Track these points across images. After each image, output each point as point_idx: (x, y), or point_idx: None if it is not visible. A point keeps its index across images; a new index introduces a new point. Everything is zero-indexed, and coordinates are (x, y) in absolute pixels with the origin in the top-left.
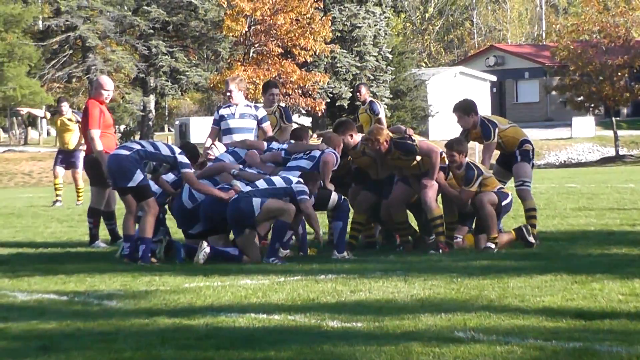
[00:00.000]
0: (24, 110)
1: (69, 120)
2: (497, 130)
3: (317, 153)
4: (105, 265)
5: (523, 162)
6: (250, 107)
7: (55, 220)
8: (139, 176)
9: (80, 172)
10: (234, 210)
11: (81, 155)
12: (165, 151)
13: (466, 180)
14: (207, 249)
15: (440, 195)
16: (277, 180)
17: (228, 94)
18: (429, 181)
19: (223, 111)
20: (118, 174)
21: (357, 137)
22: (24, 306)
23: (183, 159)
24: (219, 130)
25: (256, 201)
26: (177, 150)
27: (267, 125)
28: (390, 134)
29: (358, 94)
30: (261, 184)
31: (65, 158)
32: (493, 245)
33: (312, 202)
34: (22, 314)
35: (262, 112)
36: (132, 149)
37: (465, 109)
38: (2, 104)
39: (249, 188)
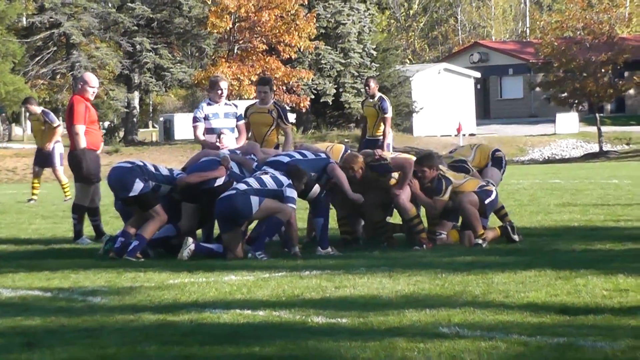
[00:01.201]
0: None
1: (38, 120)
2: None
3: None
4: (90, 262)
5: (493, 167)
6: (231, 105)
7: (40, 216)
8: (138, 185)
9: (60, 168)
10: (229, 207)
11: (56, 152)
12: (165, 172)
13: (437, 190)
14: (192, 246)
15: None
16: (268, 181)
17: (220, 92)
18: (399, 189)
19: (208, 110)
20: (118, 186)
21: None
22: (8, 302)
23: (181, 173)
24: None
25: (254, 200)
26: (177, 172)
27: (241, 123)
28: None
29: (367, 87)
30: (253, 183)
31: (42, 156)
32: (481, 241)
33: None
34: (6, 311)
35: (239, 110)
36: (133, 163)
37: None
38: None
39: (243, 185)
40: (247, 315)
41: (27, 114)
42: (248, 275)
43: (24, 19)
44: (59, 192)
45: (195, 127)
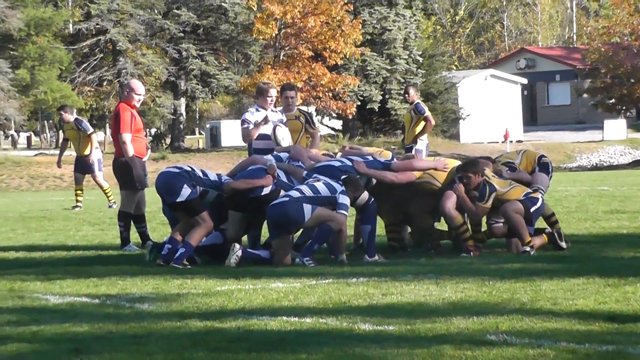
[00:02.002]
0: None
1: (72, 128)
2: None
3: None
4: (137, 269)
5: (541, 172)
6: (277, 112)
7: (87, 223)
8: (186, 191)
9: (99, 174)
10: (281, 214)
11: (94, 159)
12: (212, 177)
13: (480, 196)
14: (239, 252)
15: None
16: (322, 188)
17: (270, 99)
18: (449, 192)
19: (256, 116)
20: (165, 190)
21: None
22: (56, 309)
23: (228, 178)
24: None
25: (307, 208)
26: (225, 177)
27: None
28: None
29: (407, 95)
30: (306, 190)
31: (80, 164)
32: (528, 249)
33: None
34: (54, 317)
35: (284, 117)
36: (181, 168)
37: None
38: (34, 108)
39: (296, 193)
40: (294, 322)
41: (61, 122)
42: (295, 282)
43: (71, 25)
44: (104, 198)
45: (244, 129)
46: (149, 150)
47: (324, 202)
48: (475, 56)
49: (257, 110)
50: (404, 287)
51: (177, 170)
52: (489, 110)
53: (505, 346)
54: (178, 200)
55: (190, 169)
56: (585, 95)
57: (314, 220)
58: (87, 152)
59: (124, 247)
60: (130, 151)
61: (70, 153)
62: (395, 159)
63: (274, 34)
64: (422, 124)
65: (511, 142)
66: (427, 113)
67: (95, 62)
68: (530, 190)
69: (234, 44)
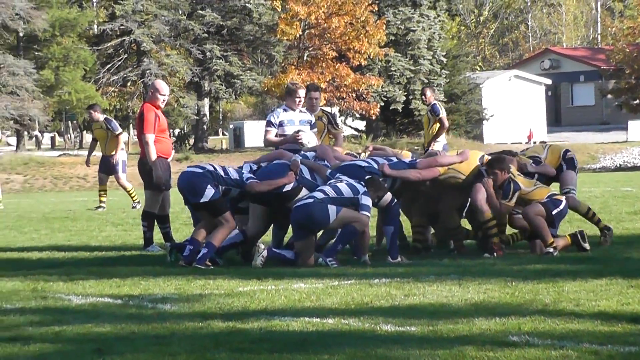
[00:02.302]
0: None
1: (101, 127)
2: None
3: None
4: (160, 269)
5: (569, 170)
6: (306, 113)
7: (110, 223)
8: (210, 191)
9: (123, 175)
10: (305, 215)
11: (119, 160)
12: (234, 175)
13: (504, 194)
14: (265, 252)
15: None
16: (345, 189)
17: (298, 100)
18: (479, 185)
19: (283, 116)
20: (188, 190)
21: None
22: (79, 309)
23: (250, 176)
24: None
25: (332, 209)
26: (247, 174)
27: (315, 130)
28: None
29: (424, 96)
30: (329, 191)
31: (105, 163)
32: (552, 250)
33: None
34: (77, 317)
35: (313, 118)
36: (204, 168)
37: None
38: (58, 108)
39: (320, 194)
40: (316, 323)
41: (90, 121)
42: (317, 283)
43: (95, 26)
44: (127, 199)
45: (267, 132)
46: (174, 151)
47: (347, 203)
48: (500, 57)
49: (284, 110)
50: (426, 288)
51: (200, 171)
52: (513, 111)
53: (527, 347)
54: (202, 200)
55: (212, 168)
56: (609, 96)
57: (338, 222)
58: (112, 151)
59: (147, 247)
60: (153, 152)
61: (94, 153)
62: (417, 159)
63: (298, 35)
64: (438, 125)
65: (535, 143)
66: (442, 115)
67: (120, 62)
68: (555, 192)
69: (258, 44)
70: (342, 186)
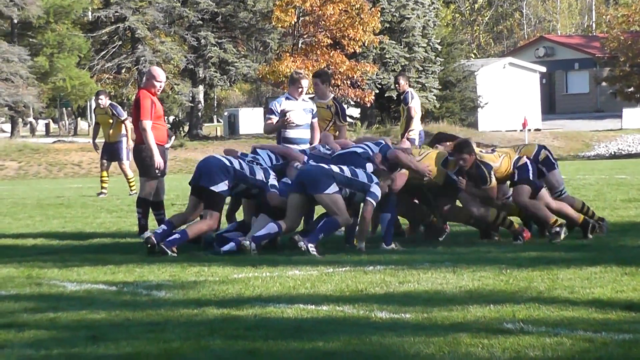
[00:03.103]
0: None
1: (106, 113)
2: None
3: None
4: (154, 256)
5: (551, 172)
6: (308, 101)
7: (105, 210)
8: (222, 186)
9: (127, 162)
10: (310, 174)
11: (123, 146)
12: (259, 176)
13: (482, 180)
14: (252, 245)
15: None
16: (361, 175)
17: (300, 89)
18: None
19: (285, 104)
20: (205, 173)
21: None
22: (73, 296)
23: (274, 182)
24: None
25: (333, 186)
26: (271, 180)
27: (315, 120)
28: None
29: (397, 85)
30: (347, 171)
31: (108, 150)
32: (558, 229)
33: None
34: (71, 304)
35: (314, 106)
36: (231, 163)
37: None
38: (52, 95)
39: (337, 169)
40: (310, 310)
41: (94, 107)
42: (312, 270)
43: (90, 13)
44: (125, 185)
45: (268, 119)
46: (172, 138)
47: (358, 187)
48: (494, 44)
49: (286, 99)
50: (421, 275)
51: (227, 164)
52: (508, 98)
53: (522, 334)
54: (211, 188)
55: (239, 167)
56: (604, 84)
57: (326, 200)
58: (117, 138)
59: (142, 234)
60: (151, 138)
61: (89, 140)
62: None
63: (292, 22)
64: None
65: (529, 130)
66: (411, 104)
67: (114, 49)
68: (516, 156)
69: (253, 31)
70: (360, 172)
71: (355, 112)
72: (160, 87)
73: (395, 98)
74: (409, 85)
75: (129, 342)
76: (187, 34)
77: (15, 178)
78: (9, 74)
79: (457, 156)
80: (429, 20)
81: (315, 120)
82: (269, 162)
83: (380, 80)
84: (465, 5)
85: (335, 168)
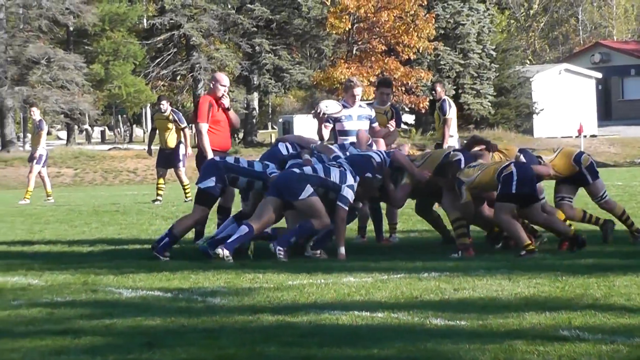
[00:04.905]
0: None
1: (167, 118)
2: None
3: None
4: (209, 263)
5: (596, 181)
6: (364, 107)
7: (160, 217)
8: (209, 182)
9: (183, 169)
10: (285, 180)
11: (180, 153)
12: (258, 167)
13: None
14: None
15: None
16: (334, 174)
17: (353, 98)
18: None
19: (341, 112)
20: (201, 173)
21: None
22: (129, 303)
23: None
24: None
25: (308, 189)
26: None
27: (376, 125)
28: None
29: (434, 92)
30: (320, 170)
31: (165, 157)
32: (525, 253)
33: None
34: (127, 311)
35: (373, 112)
36: (223, 161)
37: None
38: (108, 102)
39: (310, 170)
40: (365, 316)
41: (153, 112)
42: (366, 277)
43: (145, 20)
44: (180, 192)
45: (324, 126)
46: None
47: (330, 187)
48: (550, 50)
49: (343, 106)
50: (476, 282)
51: (217, 160)
52: (563, 104)
53: (578, 342)
54: (198, 184)
55: (231, 162)
56: None
57: (304, 205)
58: (173, 144)
59: (197, 241)
60: (206, 140)
61: (144, 147)
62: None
63: (347, 29)
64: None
65: (585, 136)
66: (448, 116)
67: (169, 56)
68: (502, 165)
69: (307, 38)
70: (334, 170)
71: (410, 118)
72: (224, 91)
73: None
74: (445, 93)
75: (184, 349)
76: (241, 41)
77: (71, 185)
78: (65, 82)
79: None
80: (483, 27)
81: (376, 125)
82: (286, 152)
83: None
84: (521, 11)
85: (308, 170)
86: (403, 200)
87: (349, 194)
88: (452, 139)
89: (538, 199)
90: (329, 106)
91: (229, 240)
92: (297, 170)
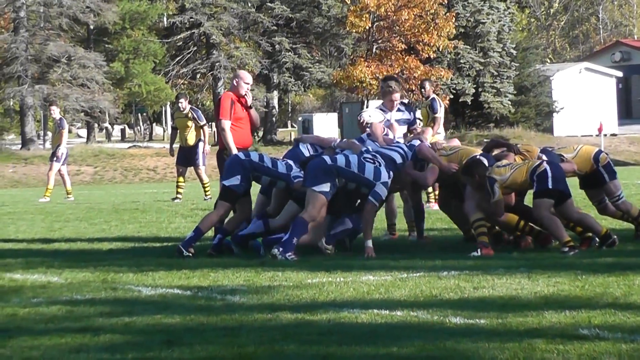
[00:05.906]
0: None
1: (186, 116)
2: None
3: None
4: (229, 261)
5: (612, 180)
6: (404, 111)
7: (179, 215)
8: (234, 180)
9: (203, 168)
10: (312, 166)
11: (199, 151)
12: (282, 168)
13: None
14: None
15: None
16: (369, 170)
17: (391, 102)
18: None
19: (381, 116)
20: (224, 169)
21: None
22: (148, 301)
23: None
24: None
25: (325, 185)
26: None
27: (415, 126)
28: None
29: (422, 89)
30: (354, 165)
31: (185, 155)
32: (567, 249)
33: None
34: (146, 308)
35: (412, 115)
36: (248, 157)
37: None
38: (128, 100)
39: (343, 160)
40: (384, 315)
41: (173, 110)
42: (386, 275)
43: (165, 19)
44: (200, 191)
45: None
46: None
47: (363, 183)
48: (570, 49)
49: (382, 110)
50: (495, 280)
51: (242, 158)
52: (583, 103)
53: (597, 340)
54: (223, 181)
55: (256, 160)
56: None
57: (311, 195)
58: (193, 142)
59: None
60: (229, 137)
61: (164, 146)
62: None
63: (367, 27)
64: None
65: (605, 135)
66: (439, 114)
67: (189, 55)
68: (534, 164)
69: (327, 37)
70: (369, 167)
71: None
72: (247, 89)
73: (469, 103)
74: (433, 91)
75: (204, 347)
76: (261, 40)
77: (91, 183)
78: (85, 80)
79: (467, 177)
80: (504, 25)
81: (415, 127)
82: (308, 153)
83: (455, 85)
84: (541, 10)
85: (342, 162)
86: (432, 180)
87: (383, 191)
88: (439, 136)
89: (570, 195)
90: (372, 115)
91: (240, 232)
92: (328, 160)
